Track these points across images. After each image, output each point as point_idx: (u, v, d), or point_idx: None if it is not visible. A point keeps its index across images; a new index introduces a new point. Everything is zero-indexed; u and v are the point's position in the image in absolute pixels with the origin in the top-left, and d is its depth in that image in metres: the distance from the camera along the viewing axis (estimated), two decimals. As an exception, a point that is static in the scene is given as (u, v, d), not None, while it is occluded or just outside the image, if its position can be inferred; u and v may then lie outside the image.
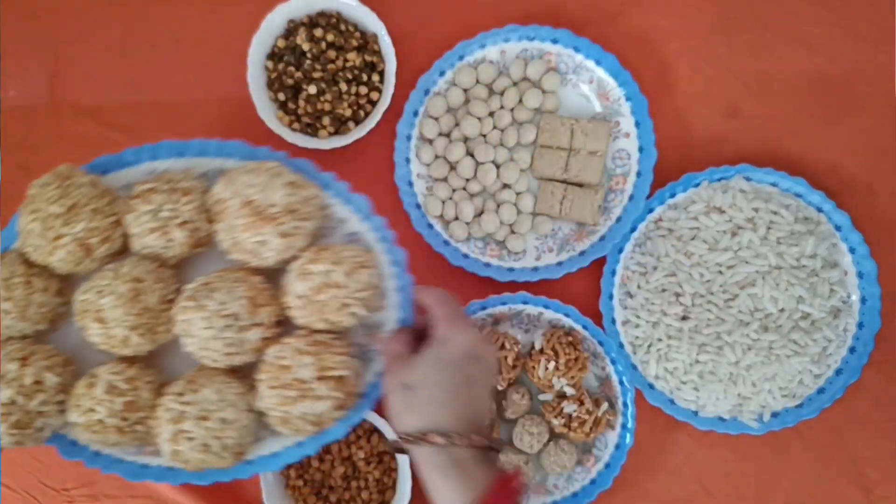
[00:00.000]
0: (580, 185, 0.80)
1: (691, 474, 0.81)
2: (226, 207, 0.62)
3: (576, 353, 0.76)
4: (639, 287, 0.79)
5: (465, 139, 0.82)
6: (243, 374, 0.64)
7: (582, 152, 0.79)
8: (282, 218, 0.61)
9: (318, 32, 0.79)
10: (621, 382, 0.77)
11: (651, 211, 0.79)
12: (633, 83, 0.79)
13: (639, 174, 0.79)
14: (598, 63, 0.80)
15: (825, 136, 0.82)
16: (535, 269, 0.80)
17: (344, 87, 0.79)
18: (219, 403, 0.61)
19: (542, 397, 0.79)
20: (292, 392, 0.60)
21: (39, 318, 0.65)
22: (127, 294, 0.61)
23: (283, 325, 0.64)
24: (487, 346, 0.58)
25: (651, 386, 0.79)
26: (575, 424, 0.75)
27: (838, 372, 0.77)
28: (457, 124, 0.82)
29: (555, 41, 0.80)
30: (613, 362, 0.77)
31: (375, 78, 0.81)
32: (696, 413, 0.78)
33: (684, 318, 0.78)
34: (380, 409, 0.74)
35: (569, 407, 0.75)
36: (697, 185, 0.79)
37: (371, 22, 0.80)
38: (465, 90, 0.82)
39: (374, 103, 0.81)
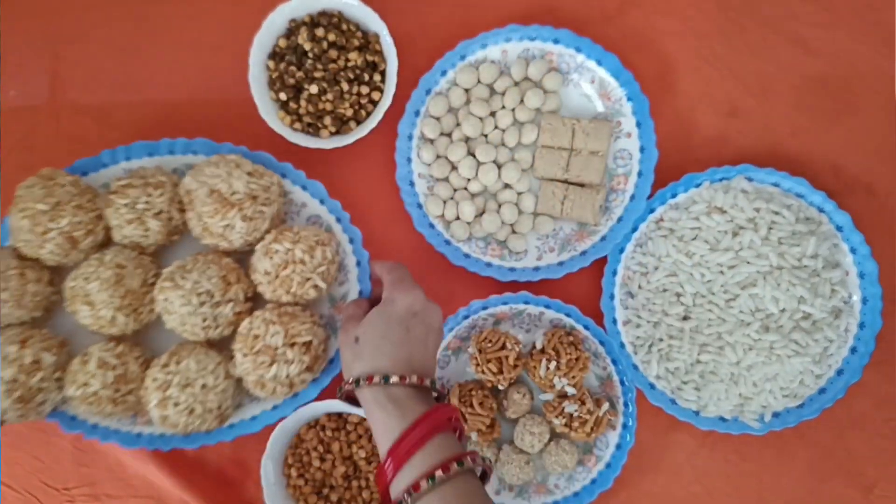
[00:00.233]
0: (581, 185, 0.80)
1: (692, 474, 0.81)
2: (194, 197, 0.70)
3: (577, 353, 0.76)
4: (640, 287, 0.79)
5: (467, 139, 0.82)
6: (220, 346, 0.73)
7: (583, 152, 0.79)
8: (244, 203, 0.69)
9: (320, 32, 0.79)
10: (622, 382, 0.77)
11: (652, 211, 0.79)
12: (634, 83, 0.79)
13: (640, 174, 0.79)
14: (599, 63, 0.80)
15: (826, 137, 0.82)
16: (537, 268, 0.80)
17: (345, 86, 0.79)
18: (200, 372, 0.69)
19: (543, 397, 0.79)
20: (265, 357, 0.68)
21: (34, 306, 0.73)
22: (111, 279, 0.69)
23: (254, 301, 0.73)
24: (429, 305, 0.64)
25: (652, 386, 0.79)
26: (576, 424, 0.75)
27: (839, 372, 0.77)
28: (458, 124, 0.82)
29: (556, 41, 0.80)
30: (615, 362, 0.77)
31: (377, 77, 0.81)
32: (697, 413, 0.78)
33: (685, 318, 0.78)
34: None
35: (570, 407, 0.75)
36: (699, 185, 0.79)
37: (373, 21, 0.80)
38: (467, 90, 0.82)
39: (375, 103, 0.81)
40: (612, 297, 0.80)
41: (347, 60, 0.79)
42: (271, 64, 0.81)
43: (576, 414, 0.75)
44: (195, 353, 0.70)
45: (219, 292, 0.69)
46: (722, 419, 0.78)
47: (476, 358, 0.77)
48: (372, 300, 0.68)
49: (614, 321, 0.79)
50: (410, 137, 0.82)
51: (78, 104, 0.88)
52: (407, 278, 0.66)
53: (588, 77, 0.81)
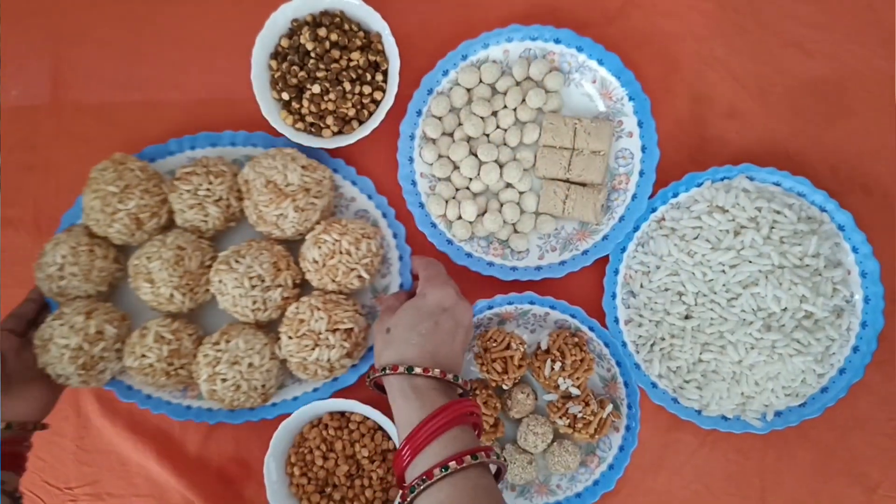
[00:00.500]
0: (583, 185, 0.80)
1: (694, 473, 0.81)
2: (251, 187, 0.75)
3: (582, 355, 0.76)
4: (642, 286, 0.80)
5: (469, 139, 0.82)
6: (268, 328, 0.78)
7: (585, 152, 0.79)
8: (297, 195, 0.74)
9: (322, 32, 0.79)
10: (626, 384, 0.77)
11: (654, 210, 0.79)
12: (635, 83, 0.79)
13: (641, 173, 0.79)
14: (600, 63, 0.80)
15: (825, 138, 0.82)
16: (538, 268, 0.80)
17: (347, 86, 0.79)
18: (247, 351, 0.74)
19: (547, 397, 0.78)
20: (308, 341, 0.73)
21: (100, 281, 0.78)
22: (171, 259, 0.74)
23: (301, 287, 0.78)
24: (460, 302, 0.67)
25: (654, 385, 0.79)
26: (580, 425, 0.75)
27: (841, 371, 0.77)
28: (460, 124, 0.82)
29: (558, 41, 0.81)
30: (619, 364, 0.77)
31: (379, 77, 0.81)
32: (699, 412, 0.78)
33: (687, 318, 0.78)
34: (382, 408, 0.75)
35: (574, 408, 0.75)
36: (700, 184, 0.79)
37: (375, 21, 0.80)
38: (468, 90, 0.82)
39: (377, 103, 0.81)
40: (613, 296, 0.80)
41: (350, 60, 0.80)
42: (273, 64, 0.81)
43: (579, 415, 0.75)
44: (244, 333, 0.74)
45: (269, 277, 0.74)
46: (724, 418, 0.78)
47: (481, 357, 0.77)
48: (410, 294, 0.71)
49: (616, 320, 0.79)
50: (412, 137, 0.82)
51: (79, 104, 0.88)
52: (441, 275, 0.70)
53: (589, 77, 0.81)
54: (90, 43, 0.89)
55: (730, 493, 0.80)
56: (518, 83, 0.82)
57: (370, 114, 0.81)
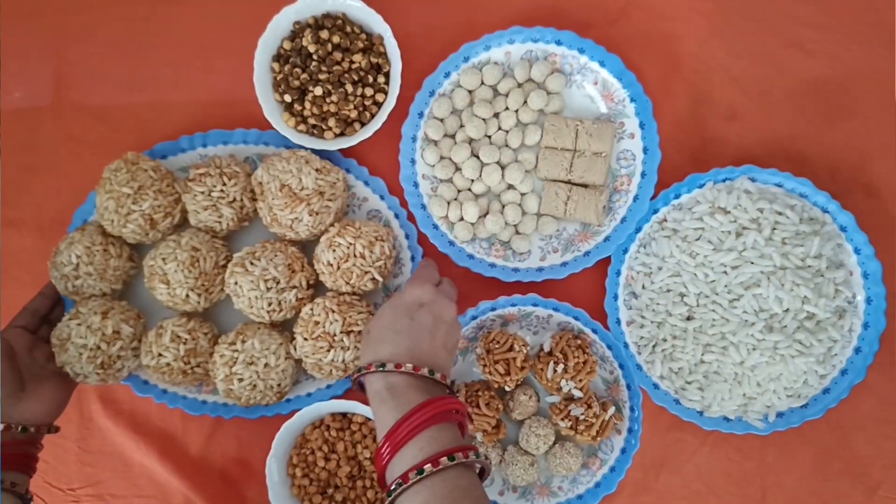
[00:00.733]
0: (585, 186, 0.80)
1: (695, 473, 0.81)
2: (266, 189, 0.76)
3: (585, 357, 0.76)
4: (643, 287, 0.80)
5: (470, 140, 0.82)
6: (282, 327, 0.79)
7: (586, 153, 0.79)
8: (312, 199, 0.75)
9: (324, 34, 0.79)
10: (629, 387, 0.77)
11: (656, 212, 0.79)
12: (637, 84, 0.79)
13: (643, 175, 0.79)
14: (602, 64, 0.80)
15: (826, 139, 0.82)
16: (540, 269, 0.80)
17: (349, 88, 0.79)
18: (263, 351, 0.75)
19: (549, 399, 0.79)
20: (323, 343, 0.73)
21: (115, 280, 0.79)
22: (187, 261, 0.75)
23: (315, 287, 0.79)
24: (439, 298, 0.66)
25: (656, 386, 0.79)
26: (582, 427, 0.75)
27: (843, 372, 0.77)
28: (461, 125, 0.82)
29: (559, 43, 0.81)
30: (622, 366, 0.77)
31: (381, 79, 0.81)
32: (701, 413, 0.79)
33: (689, 319, 0.78)
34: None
35: (576, 410, 0.75)
36: (702, 185, 0.79)
37: (376, 24, 0.80)
38: (470, 92, 0.82)
39: (379, 105, 0.81)
40: (615, 297, 0.80)
41: (352, 62, 0.80)
42: (276, 66, 0.81)
43: (582, 417, 0.75)
44: (259, 334, 0.75)
45: (284, 279, 0.75)
46: (726, 419, 0.78)
47: (483, 359, 0.77)
48: None
49: (618, 321, 0.79)
50: (414, 139, 0.82)
51: (81, 105, 0.88)
52: (426, 274, 0.69)
53: (591, 78, 0.81)
54: (92, 44, 0.89)
55: (731, 493, 0.80)
56: (520, 85, 0.82)
57: (372, 116, 0.81)
